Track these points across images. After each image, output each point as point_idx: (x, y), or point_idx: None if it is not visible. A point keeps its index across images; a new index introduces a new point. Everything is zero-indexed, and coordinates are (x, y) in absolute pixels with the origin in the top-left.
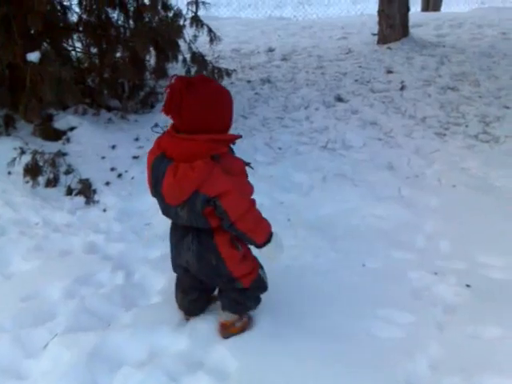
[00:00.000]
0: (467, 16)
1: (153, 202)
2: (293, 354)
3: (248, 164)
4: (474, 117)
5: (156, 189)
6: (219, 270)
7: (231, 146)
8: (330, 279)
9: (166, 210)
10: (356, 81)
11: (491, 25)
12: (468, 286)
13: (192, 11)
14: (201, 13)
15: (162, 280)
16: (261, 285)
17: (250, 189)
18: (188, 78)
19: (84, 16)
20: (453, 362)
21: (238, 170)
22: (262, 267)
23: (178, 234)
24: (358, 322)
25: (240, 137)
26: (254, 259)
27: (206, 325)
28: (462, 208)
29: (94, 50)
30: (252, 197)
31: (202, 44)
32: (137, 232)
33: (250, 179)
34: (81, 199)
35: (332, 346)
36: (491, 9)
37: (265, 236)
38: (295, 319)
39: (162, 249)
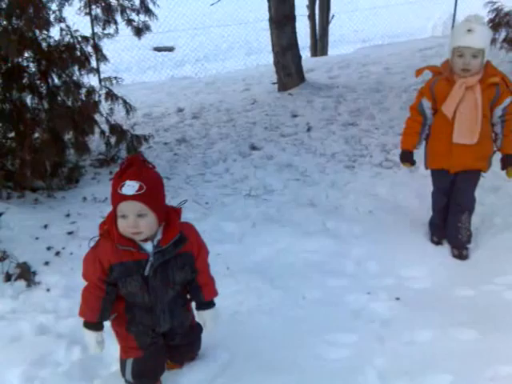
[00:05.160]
0: (352, 56)
1: None
2: None
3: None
4: (375, 147)
5: None
6: None
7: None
8: (276, 316)
9: None
10: (266, 128)
11: (375, 62)
12: (398, 298)
13: (105, 87)
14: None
15: (117, 346)
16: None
17: (84, 273)
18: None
19: None
20: (397, 368)
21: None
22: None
23: None
24: (308, 350)
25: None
26: (130, 349)
27: None
28: (380, 230)
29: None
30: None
31: (115, 113)
32: None
33: None
34: (21, 283)
35: (288, 377)
36: (373, 47)
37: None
38: (252, 359)
39: None
